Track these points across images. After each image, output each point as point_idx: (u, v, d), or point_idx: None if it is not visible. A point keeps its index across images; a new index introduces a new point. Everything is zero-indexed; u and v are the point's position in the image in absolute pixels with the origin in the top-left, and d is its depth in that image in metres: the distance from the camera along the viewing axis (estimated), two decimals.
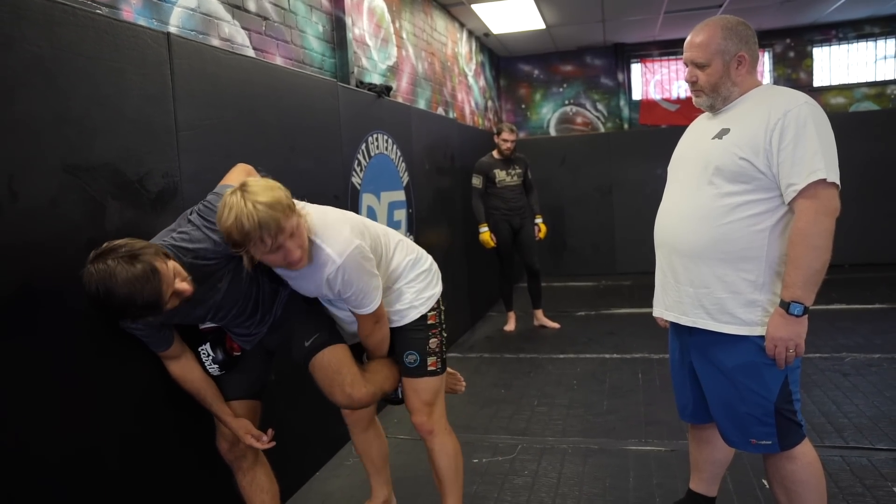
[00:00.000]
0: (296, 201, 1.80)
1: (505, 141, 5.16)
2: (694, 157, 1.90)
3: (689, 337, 1.95)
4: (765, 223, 1.76)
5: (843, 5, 7.17)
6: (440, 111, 5.92)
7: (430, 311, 2.12)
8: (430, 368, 2.14)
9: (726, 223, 1.78)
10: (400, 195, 4.16)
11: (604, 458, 2.97)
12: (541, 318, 5.56)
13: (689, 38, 1.89)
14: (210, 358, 1.97)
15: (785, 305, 1.73)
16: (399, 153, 4.14)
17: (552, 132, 8.92)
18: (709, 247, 1.81)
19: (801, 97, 1.75)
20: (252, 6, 3.06)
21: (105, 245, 1.60)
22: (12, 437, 1.51)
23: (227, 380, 2.02)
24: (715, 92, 1.85)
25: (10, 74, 1.51)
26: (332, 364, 2.01)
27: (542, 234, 5.44)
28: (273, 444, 2.00)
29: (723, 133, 1.82)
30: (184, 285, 1.65)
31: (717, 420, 1.95)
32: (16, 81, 1.53)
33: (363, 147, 3.57)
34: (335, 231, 1.86)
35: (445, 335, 2.20)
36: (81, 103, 1.71)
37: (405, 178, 4.25)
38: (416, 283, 2.11)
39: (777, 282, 1.77)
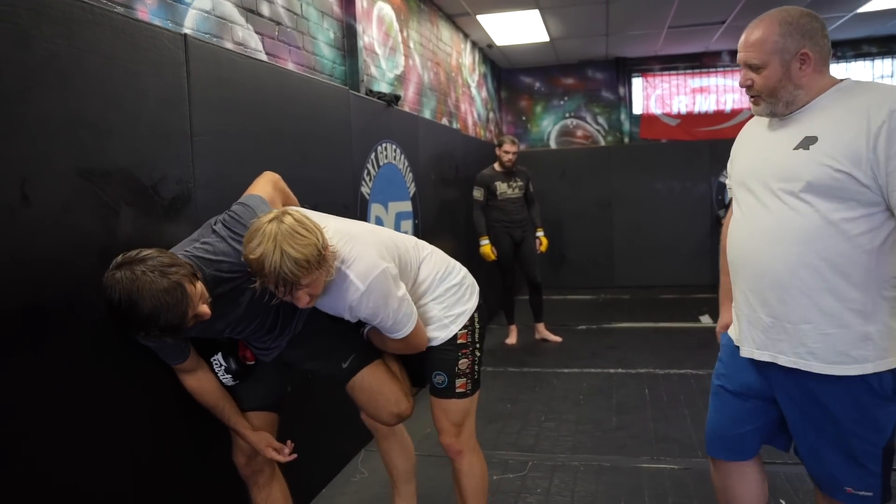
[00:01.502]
0: (322, 217, 1.74)
1: (506, 153, 5.11)
2: (771, 170, 1.61)
3: (780, 375, 1.66)
4: (872, 243, 1.50)
5: (842, 25, 7.21)
6: (444, 122, 5.88)
7: (460, 330, 2.01)
8: (458, 390, 2.04)
9: (829, 246, 1.51)
10: (407, 206, 4.10)
11: (617, 477, 2.90)
12: (542, 331, 5.50)
13: (743, 37, 1.62)
14: (223, 368, 1.90)
15: None
16: (406, 163, 4.09)
17: (552, 145, 8.90)
18: (810, 275, 1.54)
19: None
20: (266, 10, 3.01)
21: (133, 252, 1.53)
22: (21, 455, 1.43)
23: (243, 390, 1.95)
24: (773, 97, 1.58)
25: (27, 72, 1.45)
26: (374, 385, 1.98)
27: (543, 248, 5.40)
28: (294, 456, 1.93)
29: (808, 142, 1.55)
30: (204, 308, 1.59)
31: (809, 464, 1.70)
32: (32, 80, 1.46)
33: (372, 156, 3.52)
34: (360, 254, 1.78)
35: (479, 354, 2.08)
36: (97, 105, 1.64)
37: (412, 189, 4.19)
38: (445, 299, 2.01)
39: (887, 309, 1.53)
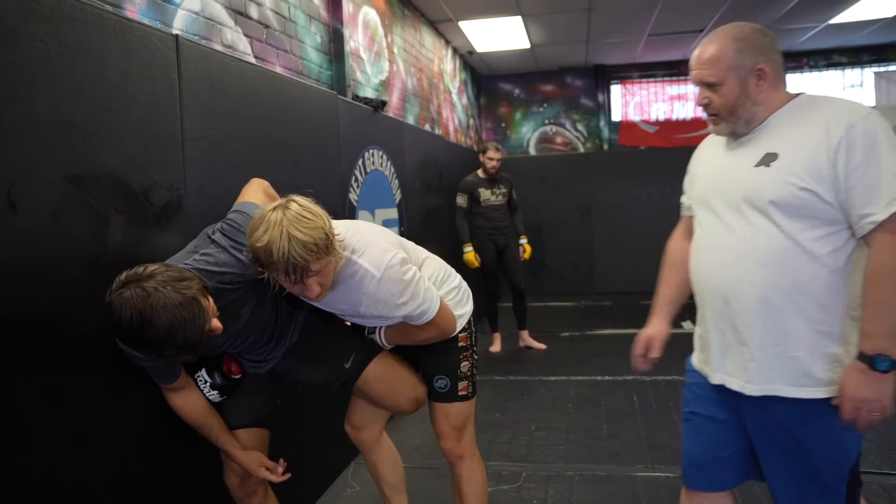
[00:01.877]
0: (334, 223, 1.68)
1: (490, 159, 5.08)
2: (733, 189, 1.56)
3: (750, 402, 1.58)
4: (837, 263, 1.46)
5: (813, 36, 7.36)
6: (427, 128, 5.84)
7: (460, 332, 2.01)
8: (460, 393, 2.03)
9: (796, 267, 1.47)
10: (393, 213, 4.05)
11: (613, 486, 2.87)
12: (527, 338, 5.47)
13: (696, 54, 1.57)
14: (208, 384, 1.81)
15: (867, 359, 1.40)
16: (393, 170, 4.03)
17: (532, 151, 8.91)
18: (781, 297, 1.48)
19: (861, 108, 1.46)
20: (254, 13, 2.94)
21: (138, 269, 1.46)
22: (6, 474, 1.34)
23: (231, 406, 1.87)
24: (733, 115, 1.55)
25: (15, 72, 1.37)
26: (390, 374, 1.96)
27: (527, 255, 5.38)
28: (288, 476, 1.85)
29: (769, 159, 1.50)
30: (216, 322, 1.52)
31: (776, 491, 1.61)
32: (21, 80, 1.38)
33: (360, 163, 3.46)
34: (370, 243, 1.74)
35: (476, 357, 2.08)
36: (87, 107, 1.56)
37: (398, 196, 4.14)
38: (448, 301, 1.98)
39: (853, 330, 1.47)
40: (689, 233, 1.77)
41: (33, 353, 1.42)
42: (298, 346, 1.91)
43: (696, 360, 1.74)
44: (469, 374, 2.04)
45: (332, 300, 1.78)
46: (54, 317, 1.47)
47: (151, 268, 1.46)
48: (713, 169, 1.66)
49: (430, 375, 2.04)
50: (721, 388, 1.63)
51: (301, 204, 1.60)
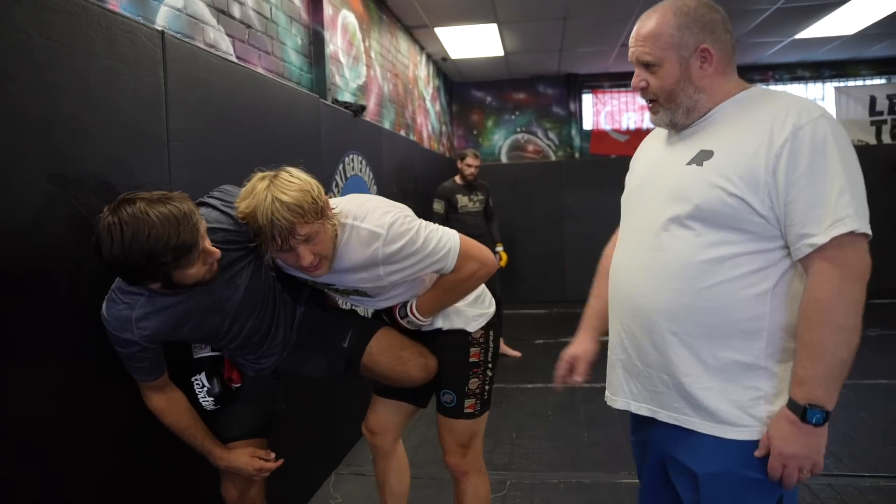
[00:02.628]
0: (330, 200, 1.64)
1: (469, 166, 5.07)
2: (658, 189, 1.35)
3: (660, 431, 1.38)
4: (764, 284, 1.24)
5: (778, 50, 7.56)
6: (402, 134, 5.80)
7: (472, 347, 1.93)
8: (466, 411, 1.94)
9: (710, 286, 1.25)
10: None
11: (599, 494, 2.85)
12: (502, 346, 5.45)
13: (634, 30, 1.36)
14: (205, 389, 1.72)
15: (798, 410, 1.19)
16: (371, 175, 3.98)
17: (503, 159, 8.94)
18: (688, 318, 1.27)
19: (814, 108, 1.22)
20: (237, 12, 2.86)
21: (122, 196, 1.38)
22: None
23: (229, 415, 1.78)
24: (672, 101, 1.33)
25: None
26: (393, 343, 1.87)
27: (503, 263, 5.36)
28: (281, 461, 1.79)
29: (702, 157, 1.29)
30: (212, 247, 1.45)
31: None
32: (2, 73, 1.30)
33: (340, 167, 3.39)
34: (373, 207, 1.69)
35: (491, 374, 1.98)
36: (71, 103, 1.48)
37: (379, 196, 4.07)
38: (470, 307, 1.93)
39: (783, 363, 1.26)
40: None
41: (12, 360, 1.33)
42: (301, 337, 1.84)
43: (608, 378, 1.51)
44: (479, 391, 1.95)
45: (351, 276, 1.71)
46: (35, 323, 1.38)
47: (137, 193, 1.40)
48: (647, 165, 1.46)
49: (438, 388, 1.97)
50: (636, 415, 1.44)
51: (290, 171, 1.58)
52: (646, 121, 8.76)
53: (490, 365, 1.98)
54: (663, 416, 1.35)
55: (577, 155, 8.75)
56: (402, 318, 1.87)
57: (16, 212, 1.33)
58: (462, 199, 5.12)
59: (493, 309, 2.00)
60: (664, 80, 1.32)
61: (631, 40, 1.36)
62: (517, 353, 5.42)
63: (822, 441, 1.21)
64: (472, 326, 1.93)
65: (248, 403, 1.81)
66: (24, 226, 1.35)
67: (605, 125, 8.78)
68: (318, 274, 1.65)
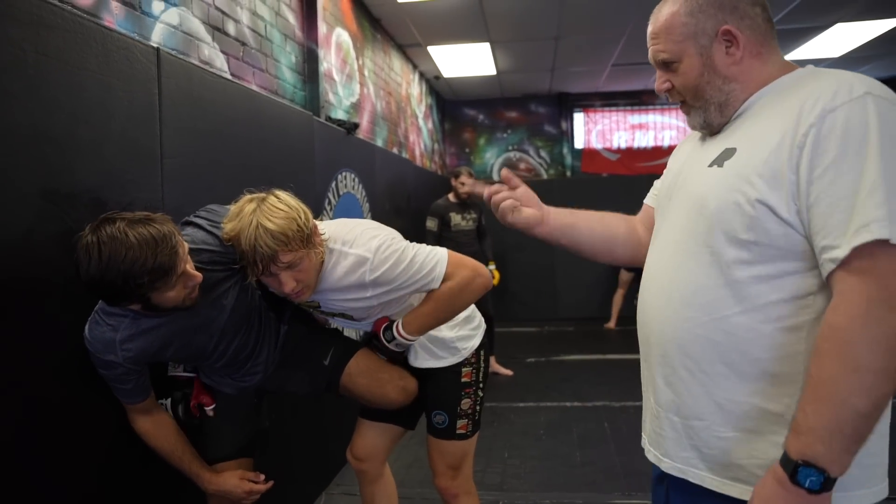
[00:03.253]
0: (318, 224, 1.63)
1: (463, 184, 5.05)
2: (683, 197, 1.16)
3: (673, 481, 1.16)
4: (800, 316, 0.99)
5: None
6: (395, 151, 5.81)
7: (465, 367, 1.92)
8: (458, 431, 1.93)
9: (731, 315, 1.03)
10: None
11: None
12: (493, 365, 5.42)
13: (649, 27, 1.18)
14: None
15: (789, 466, 0.92)
16: (364, 193, 3.98)
17: (495, 177, 8.96)
18: (701, 353, 1.06)
19: (859, 86, 0.95)
20: (231, 29, 2.87)
21: (104, 215, 1.37)
22: None
23: (212, 435, 1.76)
24: (700, 98, 1.13)
25: None
26: (371, 366, 1.85)
27: (495, 281, 5.35)
28: (271, 483, 1.76)
29: (725, 157, 1.08)
30: (194, 271, 1.43)
31: None
32: None
33: (333, 185, 3.39)
34: (362, 232, 1.69)
35: (482, 395, 1.97)
36: (64, 119, 1.47)
37: (368, 219, 4.07)
38: (459, 329, 1.92)
39: None
40: (639, 222, 1.45)
41: (3, 377, 1.30)
42: (283, 356, 1.82)
43: None
44: (470, 412, 1.94)
45: (338, 298, 1.70)
46: (26, 340, 1.36)
47: (119, 213, 1.39)
48: (677, 169, 1.24)
49: (429, 409, 1.95)
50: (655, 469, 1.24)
51: (278, 196, 1.57)
52: (636, 140, 8.83)
53: (481, 385, 1.97)
54: (667, 465, 1.14)
55: (568, 173, 8.80)
56: (388, 342, 1.79)
57: (7, 227, 1.32)
58: (455, 217, 5.11)
59: (482, 328, 2.00)
60: (686, 76, 1.12)
61: (648, 39, 1.19)
62: (509, 372, 5.40)
63: None
64: (465, 353, 1.92)
65: (231, 423, 1.79)
66: (15, 241, 1.33)
67: (597, 144, 8.84)
68: (300, 299, 1.65)
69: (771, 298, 0.99)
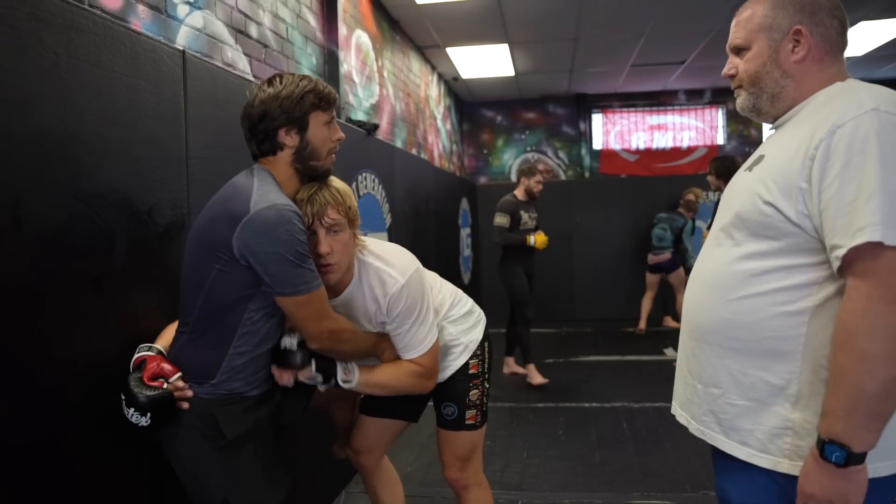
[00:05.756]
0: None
1: (538, 183, 4.90)
2: (725, 197, 1.32)
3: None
4: (802, 302, 1.13)
5: None
6: (413, 152, 5.84)
7: (471, 360, 1.97)
8: (468, 422, 1.97)
9: (741, 297, 1.19)
10: (384, 237, 4.00)
11: None
12: (512, 365, 5.40)
13: (735, 17, 1.32)
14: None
15: (819, 444, 1.07)
16: (384, 193, 4.00)
17: (514, 178, 8.96)
18: (718, 329, 1.23)
19: (868, 101, 1.09)
20: (254, 32, 2.91)
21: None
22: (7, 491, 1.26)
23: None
24: (756, 85, 1.25)
25: (25, 83, 1.32)
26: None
27: (543, 243, 5.00)
28: None
29: (756, 162, 1.23)
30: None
31: None
32: (30, 91, 1.33)
33: (354, 186, 3.42)
34: (397, 254, 1.80)
35: (488, 386, 2.03)
36: (94, 121, 1.51)
37: (388, 220, 4.10)
38: (459, 322, 1.97)
39: (823, 393, 1.14)
40: None
41: (33, 373, 1.34)
42: None
43: None
44: (478, 402, 1.99)
45: (352, 299, 1.75)
46: (56, 336, 1.40)
47: None
48: (738, 171, 1.37)
49: (438, 402, 1.99)
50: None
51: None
52: (655, 141, 8.77)
53: (487, 375, 2.03)
54: (693, 427, 1.30)
55: (586, 174, 8.77)
56: (324, 382, 1.66)
57: (40, 226, 1.35)
58: (524, 216, 4.94)
59: (483, 321, 2.06)
60: (751, 62, 1.25)
61: (730, 29, 1.33)
62: (545, 380, 5.09)
63: (850, 487, 1.05)
64: (467, 355, 1.97)
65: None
66: (48, 238, 1.37)
67: (615, 145, 8.81)
68: (330, 277, 1.64)
69: (778, 285, 1.15)
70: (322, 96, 1.56)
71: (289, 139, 1.54)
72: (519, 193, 4.99)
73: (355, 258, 1.72)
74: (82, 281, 1.47)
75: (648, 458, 3.44)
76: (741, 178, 1.26)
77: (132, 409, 1.41)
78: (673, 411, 1.41)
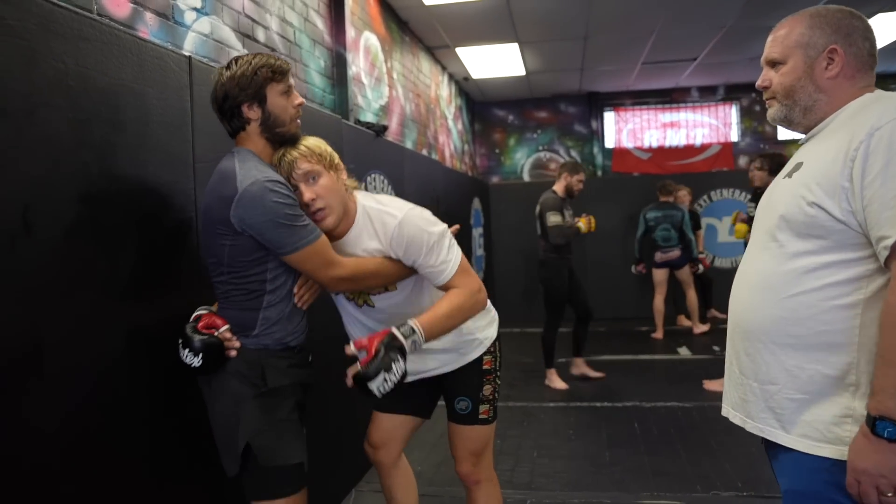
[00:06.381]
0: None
1: (581, 181, 4.85)
2: (765, 204, 1.40)
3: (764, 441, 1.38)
4: (854, 295, 1.21)
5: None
6: (424, 153, 5.86)
7: (485, 355, 2.00)
8: (481, 416, 2.00)
9: (793, 295, 1.26)
10: None
11: None
12: (581, 366, 5.22)
13: (770, 37, 1.41)
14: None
15: (870, 422, 1.14)
16: (394, 195, 4.02)
17: (526, 177, 8.97)
18: (772, 328, 1.29)
19: None
20: (261, 36, 2.95)
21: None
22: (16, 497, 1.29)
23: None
24: (790, 98, 1.35)
25: (34, 91, 1.35)
26: None
27: (592, 227, 5.01)
28: None
29: (795, 169, 1.32)
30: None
31: None
32: (39, 100, 1.36)
33: (363, 187, 3.44)
34: (395, 199, 1.84)
35: (499, 382, 2.06)
36: (102, 127, 1.55)
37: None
38: (478, 319, 1.97)
39: None
40: None
41: (43, 375, 1.37)
42: None
43: None
44: (491, 398, 2.02)
45: (356, 242, 1.77)
46: (66, 338, 1.43)
47: None
48: (774, 181, 1.45)
49: (451, 397, 2.02)
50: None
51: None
52: (668, 138, 8.72)
53: (498, 372, 2.05)
54: (751, 426, 1.36)
55: (599, 173, 8.74)
56: (405, 338, 1.64)
57: (49, 230, 1.39)
58: (567, 213, 4.90)
59: (497, 319, 2.08)
60: (785, 76, 1.35)
61: (766, 45, 1.42)
62: (600, 375, 5.14)
63: None
64: (482, 349, 1.99)
65: None
66: (55, 245, 1.40)
67: (628, 143, 8.78)
68: (324, 223, 1.69)
69: (829, 281, 1.23)
70: (274, 69, 1.67)
71: (252, 113, 1.66)
72: (559, 189, 4.88)
73: (357, 204, 1.79)
74: (91, 284, 1.50)
75: (658, 458, 3.43)
76: (781, 185, 1.35)
77: (187, 350, 1.60)
78: (724, 413, 1.46)
